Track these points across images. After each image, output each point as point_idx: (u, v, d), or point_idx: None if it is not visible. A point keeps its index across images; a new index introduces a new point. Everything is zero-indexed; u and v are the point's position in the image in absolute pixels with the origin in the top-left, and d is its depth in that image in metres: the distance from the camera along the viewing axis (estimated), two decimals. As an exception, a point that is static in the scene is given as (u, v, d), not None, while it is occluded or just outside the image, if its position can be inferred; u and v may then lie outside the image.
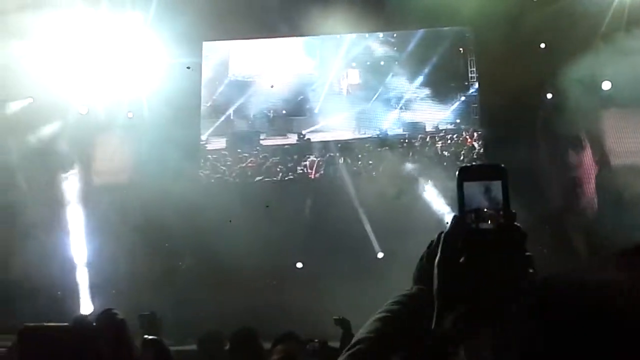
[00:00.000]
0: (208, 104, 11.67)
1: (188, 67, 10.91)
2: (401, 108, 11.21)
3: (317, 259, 9.58)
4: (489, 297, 0.88)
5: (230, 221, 9.22)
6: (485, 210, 0.96)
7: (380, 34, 11.41)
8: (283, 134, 11.47)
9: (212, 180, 11.22)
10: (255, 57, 11.70)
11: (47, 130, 11.05)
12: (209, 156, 11.45)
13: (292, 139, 11.42)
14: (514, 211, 0.94)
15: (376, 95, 11.24)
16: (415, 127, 11.16)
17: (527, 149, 9.24)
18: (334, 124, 11.27)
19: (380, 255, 9.97)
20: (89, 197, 11.11)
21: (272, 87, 11.55)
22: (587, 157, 10.02)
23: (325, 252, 9.43)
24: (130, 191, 10.78)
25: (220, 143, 11.51)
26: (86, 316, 4.69)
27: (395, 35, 11.40)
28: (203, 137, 11.47)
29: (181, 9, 10.35)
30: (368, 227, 10.01)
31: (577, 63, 9.01)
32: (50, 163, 10.95)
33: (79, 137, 11.03)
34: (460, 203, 0.97)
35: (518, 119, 9.42)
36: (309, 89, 11.50)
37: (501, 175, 0.97)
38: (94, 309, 9.75)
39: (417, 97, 11.18)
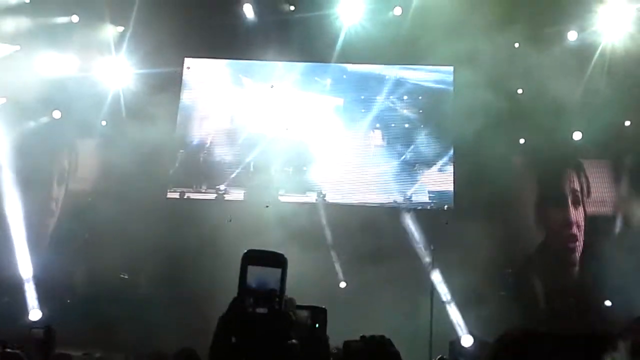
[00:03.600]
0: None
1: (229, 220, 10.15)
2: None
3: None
4: None
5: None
6: (263, 294, 1.03)
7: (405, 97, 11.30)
8: (302, 192, 11.14)
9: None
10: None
11: (20, 131, 10.91)
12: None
13: (312, 197, 11.05)
14: (290, 297, 1.01)
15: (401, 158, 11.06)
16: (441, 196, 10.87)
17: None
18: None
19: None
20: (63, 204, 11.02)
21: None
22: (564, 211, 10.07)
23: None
24: (98, 200, 10.63)
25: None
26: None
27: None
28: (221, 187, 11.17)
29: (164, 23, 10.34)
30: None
31: (551, 111, 9.04)
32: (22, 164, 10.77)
33: (51, 141, 10.90)
34: (241, 286, 1.04)
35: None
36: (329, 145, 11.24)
37: (281, 264, 1.06)
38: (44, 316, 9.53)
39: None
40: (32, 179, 10.73)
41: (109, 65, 11.07)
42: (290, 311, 1.32)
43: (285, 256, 1.09)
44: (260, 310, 1.03)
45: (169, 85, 11.39)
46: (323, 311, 1.34)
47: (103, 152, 10.94)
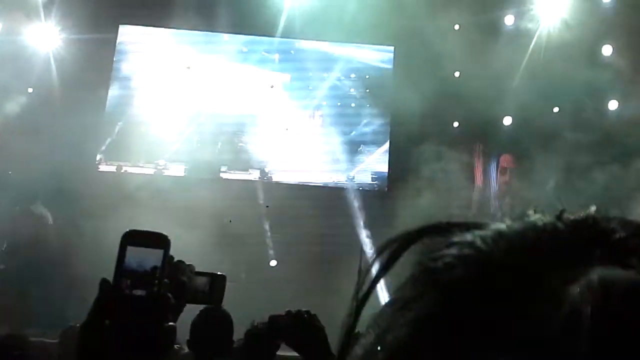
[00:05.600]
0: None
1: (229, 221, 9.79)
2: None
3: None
4: None
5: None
6: (142, 275, 0.98)
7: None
8: (245, 169, 10.86)
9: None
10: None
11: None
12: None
13: (254, 175, 10.80)
14: (166, 281, 1.00)
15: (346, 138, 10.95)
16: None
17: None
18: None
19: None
20: None
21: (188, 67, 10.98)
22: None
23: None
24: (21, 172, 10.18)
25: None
26: None
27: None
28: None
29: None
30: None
31: (487, 95, 9.13)
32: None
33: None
34: (118, 267, 0.98)
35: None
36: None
37: (164, 245, 1.01)
38: None
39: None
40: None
41: (38, 31, 10.53)
42: (185, 277, 1.26)
43: (169, 236, 1.00)
44: (138, 292, 0.96)
45: (103, 54, 10.94)
46: (222, 278, 1.32)
47: (28, 120, 10.42)
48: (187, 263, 1.27)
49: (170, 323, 0.99)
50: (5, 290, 8.41)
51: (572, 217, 0.39)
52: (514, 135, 9.59)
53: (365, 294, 0.46)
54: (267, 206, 9.84)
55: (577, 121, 9.17)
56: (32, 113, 10.39)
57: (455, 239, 0.40)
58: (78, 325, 3.93)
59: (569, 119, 9.21)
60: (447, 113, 9.73)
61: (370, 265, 0.45)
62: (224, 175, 10.75)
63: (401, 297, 0.41)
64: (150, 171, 10.62)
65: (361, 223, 9.90)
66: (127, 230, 1.01)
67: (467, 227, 0.41)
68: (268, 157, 10.86)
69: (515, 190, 9.85)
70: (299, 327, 2.36)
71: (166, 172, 10.67)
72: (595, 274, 0.34)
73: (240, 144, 10.88)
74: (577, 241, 0.37)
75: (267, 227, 9.97)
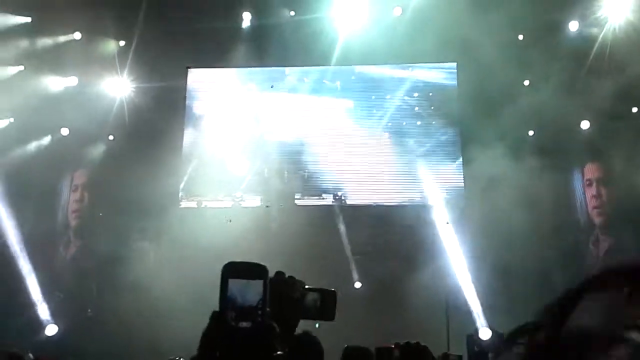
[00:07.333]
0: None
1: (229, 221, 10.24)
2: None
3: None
4: None
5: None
6: (246, 307, 1.01)
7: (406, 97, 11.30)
8: (318, 194, 11.10)
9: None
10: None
11: (26, 150, 10.94)
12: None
13: (328, 200, 11.02)
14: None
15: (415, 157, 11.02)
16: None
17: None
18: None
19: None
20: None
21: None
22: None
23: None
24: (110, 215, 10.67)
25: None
26: None
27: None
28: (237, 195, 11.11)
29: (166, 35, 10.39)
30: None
31: (558, 100, 9.08)
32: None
33: (58, 157, 10.93)
34: (223, 299, 1.01)
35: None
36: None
37: (263, 275, 1.03)
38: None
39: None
40: (46, 193, 10.79)
41: (113, 81, 11.12)
42: (298, 293, 1.32)
43: (267, 267, 1.05)
44: (244, 324, 1.00)
45: (174, 96, 11.43)
46: (333, 294, 1.35)
47: (112, 167, 10.93)
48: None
49: (279, 352, 1.00)
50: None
51: None
52: (595, 139, 9.41)
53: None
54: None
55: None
56: (115, 159, 10.93)
57: None
58: (178, 358, 4.12)
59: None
60: (520, 122, 9.66)
61: None
62: (298, 202, 10.99)
63: None
64: (229, 204, 10.95)
65: (440, 240, 9.90)
66: (227, 262, 1.03)
67: None
68: (339, 182, 11.04)
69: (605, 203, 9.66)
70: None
71: (243, 204, 10.97)
72: None
73: (307, 172, 11.11)
74: None
75: (348, 249, 10.07)
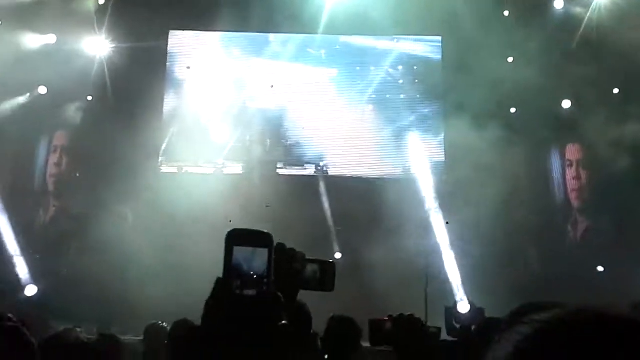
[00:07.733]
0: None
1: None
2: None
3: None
4: None
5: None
6: (251, 276, 0.99)
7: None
8: (300, 164, 11.09)
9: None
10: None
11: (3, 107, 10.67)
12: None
13: (310, 170, 11.01)
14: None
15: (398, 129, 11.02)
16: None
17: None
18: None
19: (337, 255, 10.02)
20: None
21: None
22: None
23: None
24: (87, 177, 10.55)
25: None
26: None
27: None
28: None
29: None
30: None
31: (541, 79, 9.15)
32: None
33: (36, 116, 10.69)
34: (227, 267, 0.99)
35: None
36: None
37: (268, 243, 1.01)
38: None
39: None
40: (24, 152, 10.59)
41: (92, 40, 10.84)
42: (299, 264, 1.30)
43: (271, 234, 1.02)
44: (249, 292, 0.98)
45: (155, 59, 11.21)
46: (332, 265, 1.38)
47: (91, 128, 10.75)
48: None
49: (284, 322, 0.99)
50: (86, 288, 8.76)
51: None
52: (577, 120, 9.53)
53: None
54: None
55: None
56: (94, 119, 10.74)
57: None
58: (160, 323, 4.25)
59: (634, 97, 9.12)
60: (503, 99, 9.73)
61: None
62: (280, 172, 10.97)
63: None
64: (210, 170, 10.89)
65: (422, 212, 10.01)
66: (231, 229, 1.01)
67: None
68: (322, 152, 11.05)
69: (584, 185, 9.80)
70: (403, 331, 2.29)
71: (225, 171, 10.93)
72: None
73: (290, 141, 11.09)
74: None
75: (330, 220, 10.14)
